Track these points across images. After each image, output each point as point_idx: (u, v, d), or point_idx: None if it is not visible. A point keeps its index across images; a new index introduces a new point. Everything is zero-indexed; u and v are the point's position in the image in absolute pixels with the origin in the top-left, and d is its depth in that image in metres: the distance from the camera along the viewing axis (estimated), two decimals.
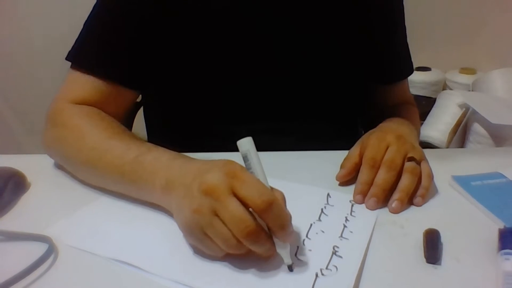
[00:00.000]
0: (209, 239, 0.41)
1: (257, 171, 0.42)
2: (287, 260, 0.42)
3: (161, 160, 0.50)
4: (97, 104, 0.61)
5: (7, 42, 1.68)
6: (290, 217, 0.42)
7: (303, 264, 0.43)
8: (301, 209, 0.52)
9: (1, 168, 0.57)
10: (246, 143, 0.42)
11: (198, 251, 0.44)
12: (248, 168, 0.43)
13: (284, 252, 0.42)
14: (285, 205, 0.43)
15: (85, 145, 0.55)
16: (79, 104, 0.61)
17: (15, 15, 1.65)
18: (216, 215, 0.40)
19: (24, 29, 1.66)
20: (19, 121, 1.76)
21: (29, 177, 0.59)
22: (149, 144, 0.54)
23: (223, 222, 0.40)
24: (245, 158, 0.43)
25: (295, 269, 0.42)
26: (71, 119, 0.59)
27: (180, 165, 0.48)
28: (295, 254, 0.44)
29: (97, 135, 0.56)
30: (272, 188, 0.43)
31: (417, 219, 0.52)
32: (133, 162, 0.51)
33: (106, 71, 0.62)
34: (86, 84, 0.62)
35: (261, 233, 0.40)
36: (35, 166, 0.62)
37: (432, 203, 0.55)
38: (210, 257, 0.44)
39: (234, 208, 0.39)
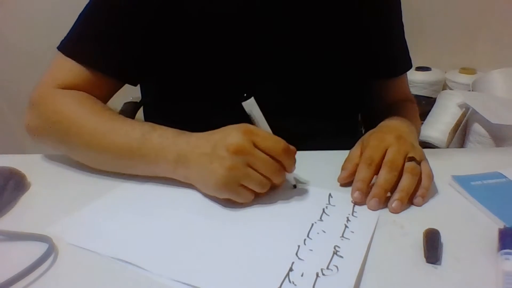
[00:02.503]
0: (244, 188, 0.51)
1: (262, 124, 0.54)
2: (293, 181, 0.57)
3: (167, 137, 0.55)
4: (81, 89, 0.62)
5: (7, 42, 1.68)
6: (295, 151, 0.53)
7: (303, 263, 0.43)
8: (302, 209, 0.53)
9: (1, 168, 0.57)
10: (248, 104, 0.52)
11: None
12: (254, 122, 0.54)
13: (290, 177, 0.56)
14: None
15: (83, 127, 0.57)
16: (65, 87, 0.62)
17: (15, 15, 1.65)
18: (250, 166, 0.50)
19: (24, 29, 1.66)
20: (19, 121, 1.76)
21: (29, 177, 0.58)
22: (150, 123, 0.58)
23: (256, 170, 0.50)
24: (250, 116, 0.53)
25: (296, 269, 0.42)
26: (62, 104, 0.60)
27: (187, 140, 0.54)
28: (296, 254, 0.44)
29: (95, 118, 0.58)
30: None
31: (417, 219, 0.51)
32: (141, 139, 0.55)
33: (90, 59, 0.62)
34: (71, 70, 0.62)
35: (282, 169, 0.53)
36: (35, 166, 0.62)
37: (432, 203, 0.55)
38: (240, 205, 0.52)
39: (263, 157, 0.50)
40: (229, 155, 0.49)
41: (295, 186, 0.57)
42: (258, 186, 0.51)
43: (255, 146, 0.50)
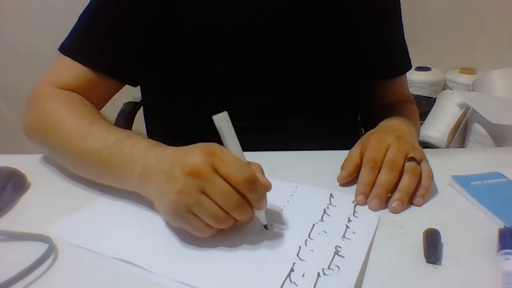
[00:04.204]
0: (196, 218, 0.43)
1: (231, 145, 0.44)
2: (263, 221, 0.47)
3: (139, 148, 0.51)
4: (80, 90, 0.62)
5: (7, 42, 1.68)
6: (270, 186, 0.45)
7: (305, 264, 0.43)
8: (303, 209, 0.53)
9: (1, 168, 0.57)
10: (219, 119, 0.44)
11: (183, 236, 0.46)
12: (223, 142, 0.45)
13: (260, 215, 0.47)
14: (263, 174, 0.46)
15: (63, 128, 0.56)
16: (63, 87, 0.62)
17: (15, 15, 1.65)
18: (203, 193, 0.42)
19: (24, 29, 1.66)
20: (19, 121, 1.76)
21: (29, 177, 0.58)
22: (129, 131, 0.55)
23: (211, 199, 0.42)
24: (220, 133, 0.44)
25: (297, 269, 0.42)
26: (52, 103, 0.60)
27: (156, 153, 0.49)
28: (297, 254, 0.44)
29: (77, 120, 0.57)
30: (248, 162, 0.46)
31: (417, 219, 0.51)
32: (112, 147, 0.52)
33: (92, 59, 0.62)
34: (71, 70, 0.62)
35: (246, 204, 0.44)
36: (35, 166, 0.62)
37: (432, 203, 0.55)
38: (196, 239, 0.45)
39: (221, 185, 0.42)
40: (183, 177, 0.42)
41: (266, 227, 0.48)
42: (212, 218, 0.43)
43: (216, 170, 0.43)
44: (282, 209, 0.52)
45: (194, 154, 0.43)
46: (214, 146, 0.44)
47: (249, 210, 0.45)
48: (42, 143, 0.60)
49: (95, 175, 0.55)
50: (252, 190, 0.43)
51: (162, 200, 0.46)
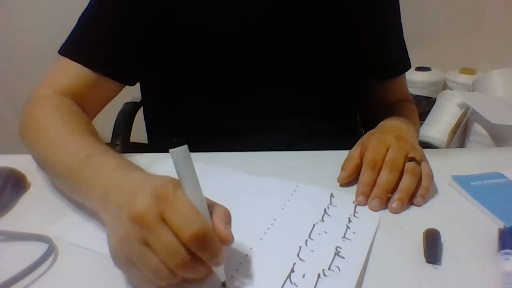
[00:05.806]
0: (137, 270, 0.37)
1: (188, 187, 0.38)
2: (221, 277, 0.40)
3: (106, 167, 0.46)
4: (78, 91, 0.62)
5: (7, 42, 1.68)
6: (230, 239, 0.38)
7: (305, 264, 0.43)
8: (304, 210, 0.52)
9: (1, 168, 0.57)
10: (175, 154, 0.37)
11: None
12: (180, 182, 0.38)
13: (218, 271, 0.39)
14: (229, 222, 0.39)
15: (44, 135, 0.55)
16: (62, 90, 0.61)
17: (15, 15, 1.65)
18: (146, 244, 0.36)
19: (24, 29, 1.66)
20: (19, 121, 1.76)
21: (29, 177, 0.59)
22: (104, 147, 0.51)
23: (154, 252, 0.36)
24: (177, 172, 0.38)
25: (297, 270, 0.42)
26: (40, 109, 0.59)
27: (121, 177, 0.43)
28: (297, 255, 0.44)
29: (58, 128, 0.55)
30: (214, 205, 0.40)
31: (417, 219, 0.52)
32: (83, 162, 0.48)
33: (90, 60, 0.62)
34: (70, 71, 0.62)
35: (196, 262, 0.36)
36: (35, 166, 0.62)
37: (432, 203, 0.55)
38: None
39: (166, 238, 0.35)
40: (127, 221, 0.36)
41: (224, 284, 0.40)
42: (153, 275, 0.36)
43: (164, 219, 0.36)
44: (282, 209, 0.53)
45: (143, 196, 0.37)
46: (168, 188, 0.37)
47: (200, 269, 0.37)
48: (28, 148, 0.60)
49: (66, 189, 0.53)
50: (202, 248, 0.36)
51: (109, 237, 0.40)
